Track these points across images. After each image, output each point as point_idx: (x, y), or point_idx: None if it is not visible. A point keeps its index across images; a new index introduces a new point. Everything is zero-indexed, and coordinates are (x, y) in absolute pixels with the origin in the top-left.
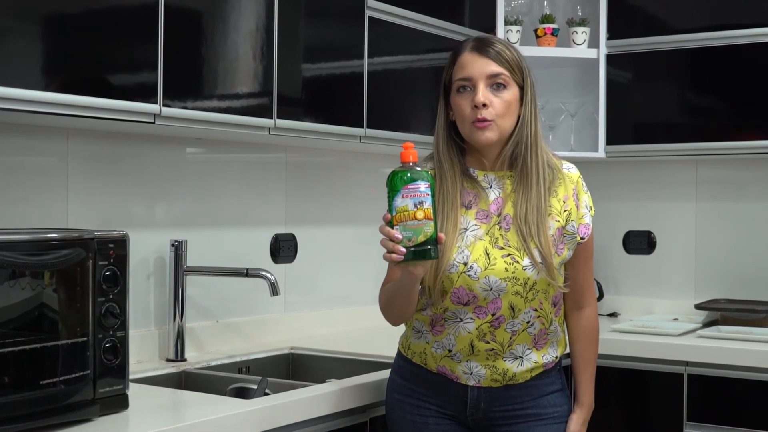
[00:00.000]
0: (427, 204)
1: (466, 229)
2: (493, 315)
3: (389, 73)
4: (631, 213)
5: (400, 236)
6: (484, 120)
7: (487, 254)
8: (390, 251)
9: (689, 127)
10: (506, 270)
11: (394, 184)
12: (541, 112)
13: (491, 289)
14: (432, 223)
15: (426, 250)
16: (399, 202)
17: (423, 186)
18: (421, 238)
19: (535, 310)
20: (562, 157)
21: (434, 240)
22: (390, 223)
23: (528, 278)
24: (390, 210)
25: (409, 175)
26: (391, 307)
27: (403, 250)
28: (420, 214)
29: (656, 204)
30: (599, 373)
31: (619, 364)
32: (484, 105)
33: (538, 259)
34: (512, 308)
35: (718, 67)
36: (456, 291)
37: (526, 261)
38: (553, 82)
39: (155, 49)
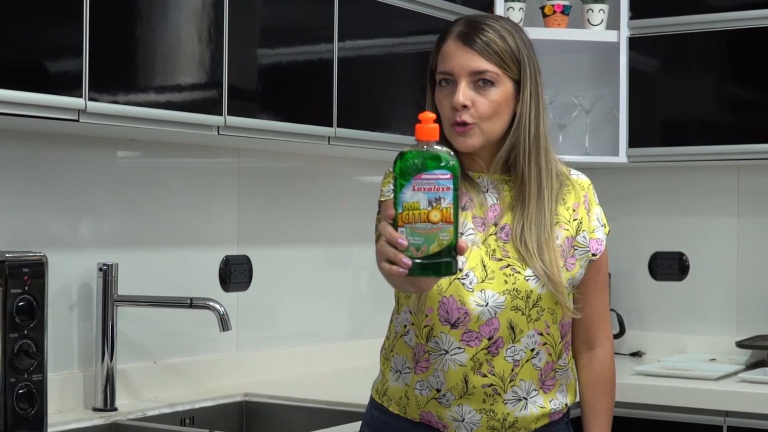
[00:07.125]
0: (447, 201)
1: (462, 233)
2: (489, 339)
3: (364, 59)
4: (658, 231)
5: (405, 243)
6: (464, 124)
7: (484, 266)
8: (390, 261)
9: (729, 126)
10: (505, 282)
11: (404, 170)
12: (549, 107)
13: (487, 305)
14: (451, 228)
15: (440, 264)
16: (408, 195)
17: (444, 177)
18: (434, 248)
19: (541, 334)
20: (572, 163)
21: (452, 251)
22: (394, 223)
23: (531, 291)
24: (395, 205)
25: (425, 159)
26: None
27: (409, 261)
28: (436, 215)
29: (689, 219)
30: (619, 424)
31: (643, 414)
32: (464, 106)
33: (542, 274)
34: (512, 328)
35: (764, 53)
36: (445, 302)
37: (529, 271)
38: (563, 71)
39: (80, 31)
